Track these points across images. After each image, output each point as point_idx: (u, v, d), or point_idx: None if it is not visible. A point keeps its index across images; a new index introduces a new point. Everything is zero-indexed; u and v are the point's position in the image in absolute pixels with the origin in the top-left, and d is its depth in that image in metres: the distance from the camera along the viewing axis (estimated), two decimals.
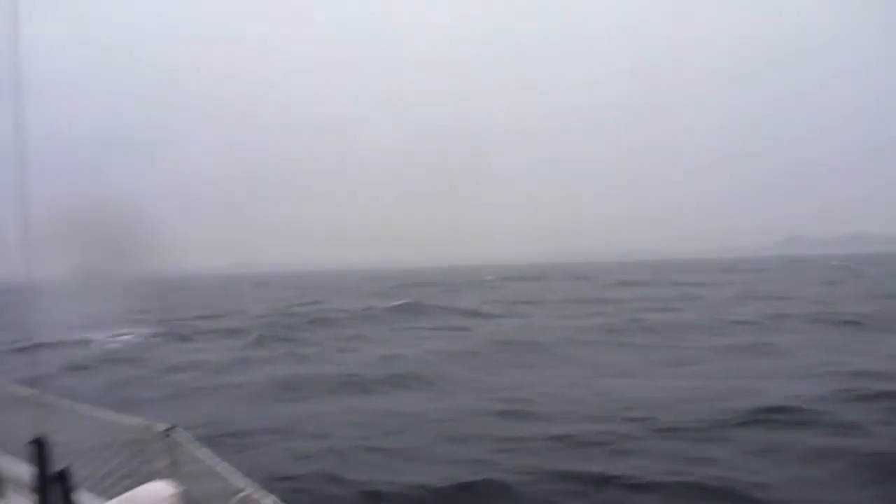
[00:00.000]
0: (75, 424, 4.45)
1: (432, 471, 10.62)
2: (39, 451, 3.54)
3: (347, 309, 45.52)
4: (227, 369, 22.70)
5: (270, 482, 6.79)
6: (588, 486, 9.72)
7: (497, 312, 43.04)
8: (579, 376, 19.57)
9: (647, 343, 26.04)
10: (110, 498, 3.92)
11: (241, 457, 10.89)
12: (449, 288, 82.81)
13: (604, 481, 9.86)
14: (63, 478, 3.32)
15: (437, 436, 12.99)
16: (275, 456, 11.76)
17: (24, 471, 4.48)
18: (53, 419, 3.91)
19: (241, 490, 3.18)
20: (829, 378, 16.90)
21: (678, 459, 10.89)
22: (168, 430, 3.88)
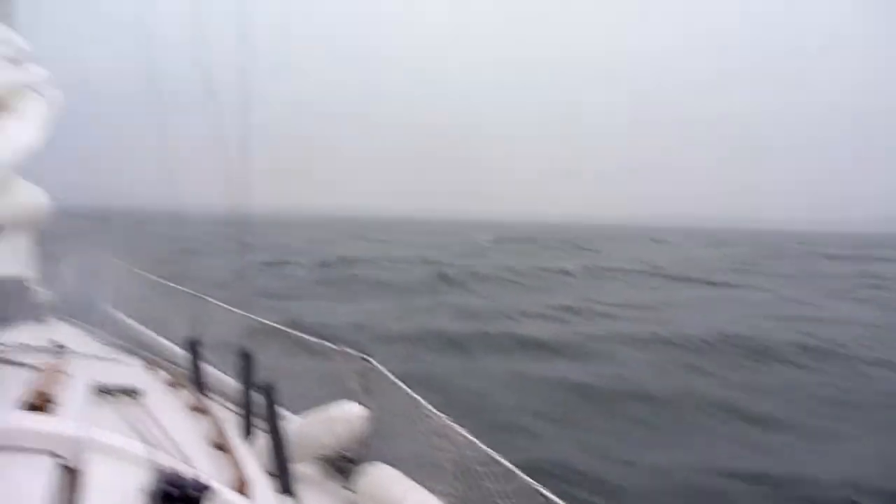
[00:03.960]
0: (278, 344, 4.74)
1: None
2: (246, 363, 3.77)
3: None
4: None
5: None
6: None
7: None
8: None
9: None
10: (305, 412, 4.13)
11: None
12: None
13: None
14: (267, 390, 3.50)
15: None
16: None
17: (230, 382, 4.86)
18: (259, 337, 4.16)
19: (433, 419, 3.18)
20: None
21: None
22: (362, 357, 4.00)
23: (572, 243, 71.15)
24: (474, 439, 2.93)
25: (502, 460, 2.85)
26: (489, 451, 2.90)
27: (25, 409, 1.96)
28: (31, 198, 2.56)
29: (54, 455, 1.74)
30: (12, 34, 2.43)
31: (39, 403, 2.00)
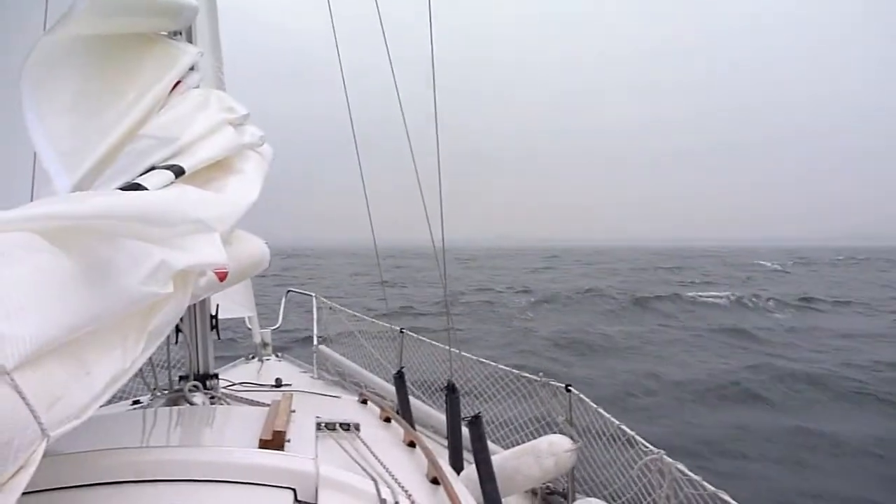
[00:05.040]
0: (479, 375, 4.79)
1: None
2: (452, 397, 3.83)
3: None
4: None
5: None
6: None
7: None
8: None
9: None
10: (510, 446, 4.11)
11: None
12: None
13: None
14: (475, 423, 3.51)
15: None
16: None
17: (436, 415, 4.97)
18: (460, 370, 4.21)
19: (646, 453, 3.02)
20: None
21: None
22: (567, 387, 3.92)
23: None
24: (696, 476, 2.73)
25: (728, 498, 2.63)
26: (712, 487, 2.69)
27: (263, 446, 2.10)
28: (253, 247, 2.76)
29: (292, 490, 1.85)
30: (233, 101, 2.65)
31: (275, 440, 2.13)
